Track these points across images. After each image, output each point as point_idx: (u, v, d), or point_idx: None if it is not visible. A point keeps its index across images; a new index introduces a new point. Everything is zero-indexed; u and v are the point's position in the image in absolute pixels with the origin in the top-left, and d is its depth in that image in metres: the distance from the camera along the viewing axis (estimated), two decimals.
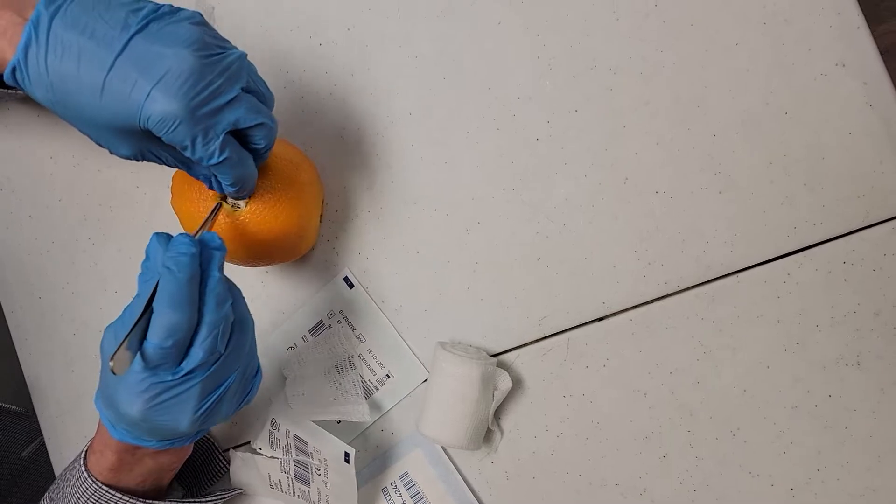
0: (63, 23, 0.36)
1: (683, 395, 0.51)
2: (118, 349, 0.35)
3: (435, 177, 0.54)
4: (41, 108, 0.58)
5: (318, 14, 0.55)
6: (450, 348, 0.51)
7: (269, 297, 0.56)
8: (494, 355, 0.53)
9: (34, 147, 0.58)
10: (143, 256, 0.56)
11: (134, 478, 0.45)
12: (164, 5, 0.38)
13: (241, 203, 0.45)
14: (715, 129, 0.51)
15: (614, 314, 0.52)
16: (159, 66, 0.36)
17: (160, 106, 0.36)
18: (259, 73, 0.42)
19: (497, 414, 0.53)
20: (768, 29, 0.50)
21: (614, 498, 0.52)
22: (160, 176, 0.56)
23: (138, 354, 0.37)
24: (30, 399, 0.59)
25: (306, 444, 0.51)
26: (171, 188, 0.48)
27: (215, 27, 0.40)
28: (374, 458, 0.54)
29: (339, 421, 0.54)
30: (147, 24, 0.37)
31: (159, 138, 0.38)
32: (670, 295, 0.52)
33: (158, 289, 0.37)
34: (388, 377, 0.54)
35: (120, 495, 0.44)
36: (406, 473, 0.54)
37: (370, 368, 0.54)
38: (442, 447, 0.53)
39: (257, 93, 0.41)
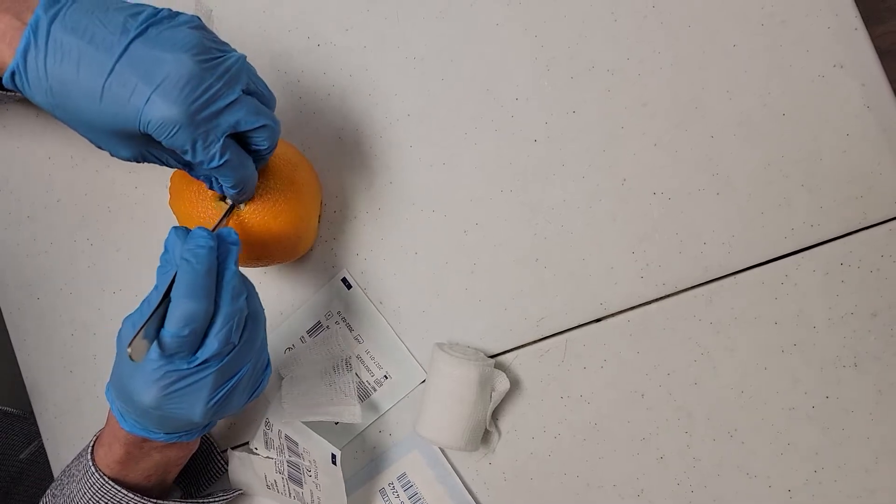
0: (62, 27, 0.36)
1: (681, 396, 0.52)
2: (136, 336, 0.36)
3: (433, 178, 0.54)
4: (40, 108, 0.58)
5: (317, 15, 0.55)
6: (447, 349, 0.51)
7: (267, 297, 0.55)
8: (492, 356, 0.53)
9: (33, 147, 0.58)
10: (143, 257, 0.57)
11: (141, 472, 0.45)
12: (162, 9, 0.38)
13: (241, 203, 0.45)
14: (713, 131, 0.51)
15: (612, 315, 0.52)
16: (159, 71, 0.36)
17: (160, 111, 0.36)
18: (258, 73, 0.42)
19: (495, 415, 0.53)
20: (766, 30, 0.50)
21: (612, 499, 0.52)
22: (159, 177, 0.56)
23: (155, 343, 0.38)
24: (28, 401, 0.59)
25: (297, 444, 0.51)
26: (170, 189, 0.48)
27: (214, 30, 0.40)
28: (371, 459, 0.54)
29: (337, 422, 0.54)
30: (146, 29, 0.37)
31: (159, 141, 0.38)
32: (668, 296, 0.52)
33: (176, 280, 0.38)
34: (386, 378, 0.54)
35: (125, 492, 0.44)
36: (404, 474, 0.54)
37: (368, 369, 0.54)
38: (440, 448, 0.53)
39: (258, 94, 0.41)
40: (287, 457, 0.51)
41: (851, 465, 0.50)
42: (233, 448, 0.55)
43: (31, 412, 0.59)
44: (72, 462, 0.48)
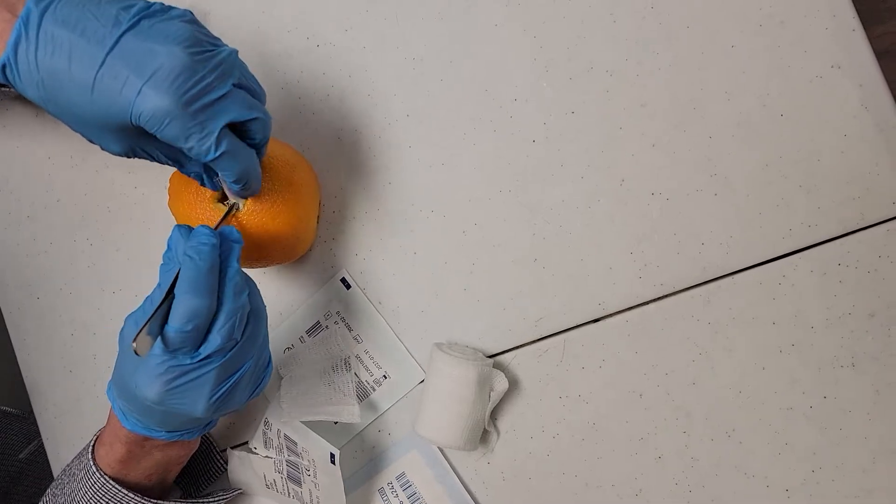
0: (53, 19, 0.36)
1: (679, 396, 0.52)
2: (140, 332, 0.36)
3: (432, 178, 0.54)
4: (39, 108, 0.58)
5: (317, 15, 0.55)
6: (446, 349, 0.51)
7: (266, 297, 0.55)
8: (491, 356, 0.53)
9: (33, 147, 0.59)
10: (142, 257, 0.57)
11: (142, 471, 0.46)
12: (155, 3, 0.38)
13: (239, 203, 0.45)
14: (711, 131, 0.51)
15: (610, 315, 0.52)
16: (150, 63, 0.36)
17: (151, 102, 0.36)
18: (256, 74, 0.42)
19: (493, 415, 0.53)
20: (764, 31, 0.50)
21: (610, 499, 0.52)
22: (158, 177, 0.57)
23: (159, 338, 0.38)
24: (27, 400, 0.59)
25: (296, 444, 0.52)
26: (168, 190, 0.48)
27: (210, 29, 0.40)
28: (370, 458, 0.54)
29: (336, 422, 0.54)
30: (138, 21, 0.37)
31: (151, 135, 0.38)
32: (666, 296, 0.52)
33: (180, 276, 0.38)
34: (385, 378, 0.54)
35: (126, 491, 0.44)
36: (403, 474, 0.54)
37: (367, 369, 0.54)
38: (439, 448, 0.54)
39: (249, 89, 0.41)
40: (286, 456, 0.52)
41: (849, 464, 0.50)
42: (232, 447, 0.55)
43: (31, 412, 0.59)
44: (72, 461, 0.48)
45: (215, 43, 0.39)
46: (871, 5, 1.23)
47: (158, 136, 0.37)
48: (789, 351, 0.51)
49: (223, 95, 0.38)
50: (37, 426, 0.59)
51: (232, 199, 0.45)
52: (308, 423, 0.53)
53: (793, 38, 0.50)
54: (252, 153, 0.41)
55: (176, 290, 0.38)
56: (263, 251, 0.47)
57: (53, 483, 0.49)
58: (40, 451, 0.78)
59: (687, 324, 0.51)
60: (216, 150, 0.38)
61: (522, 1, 0.53)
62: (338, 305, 0.55)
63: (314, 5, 0.55)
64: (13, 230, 0.59)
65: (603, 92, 0.52)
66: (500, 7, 0.53)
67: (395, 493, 0.54)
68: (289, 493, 0.51)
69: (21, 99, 0.57)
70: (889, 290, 0.50)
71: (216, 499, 0.50)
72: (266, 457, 0.52)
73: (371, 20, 0.54)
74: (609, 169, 0.52)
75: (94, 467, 0.45)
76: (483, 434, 0.52)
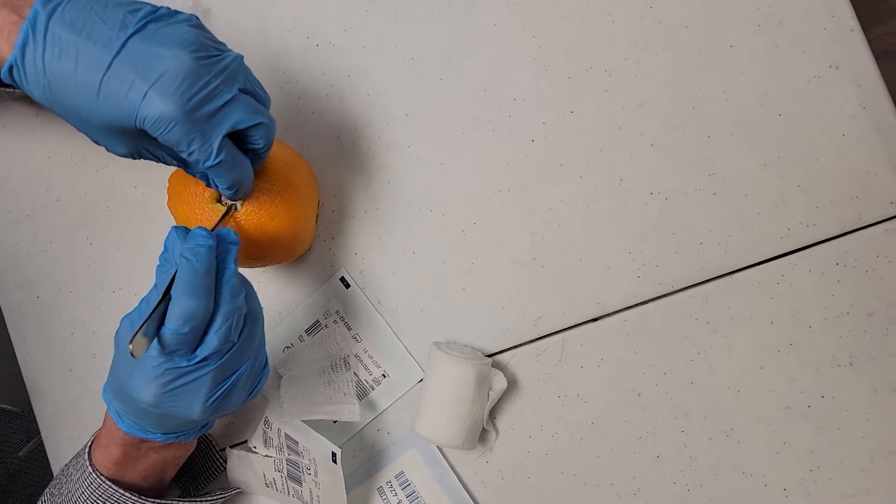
0: (60, 22, 0.36)
1: (677, 395, 0.52)
2: (136, 333, 0.36)
3: (431, 178, 0.54)
4: (40, 107, 0.58)
5: (316, 15, 0.55)
6: (445, 348, 0.51)
7: (266, 297, 0.56)
8: (490, 355, 0.53)
9: (33, 147, 0.59)
10: (142, 256, 0.57)
11: (138, 472, 0.46)
12: (162, 7, 0.38)
13: (237, 204, 0.45)
14: (709, 131, 0.51)
15: (609, 315, 0.53)
16: (156, 67, 0.36)
17: (156, 107, 0.36)
18: (256, 73, 0.42)
19: (492, 414, 0.53)
20: (763, 31, 0.50)
21: (608, 498, 0.53)
22: (158, 176, 0.57)
23: (155, 340, 0.38)
24: (27, 398, 0.59)
25: (297, 443, 0.52)
26: (168, 190, 0.48)
27: (211, 29, 0.40)
28: (369, 457, 0.55)
29: (335, 421, 0.54)
30: (145, 25, 0.37)
31: (156, 138, 0.38)
32: (665, 296, 0.52)
33: (176, 278, 0.38)
34: (384, 377, 0.54)
35: (123, 491, 0.44)
36: (402, 473, 0.54)
37: (366, 368, 0.54)
38: (437, 447, 0.54)
39: (254, 94, 0.41)
40: (286, 455, 0.52)
41: (847, 464, 0.50)
42: (231, 446, 0.56)
43: (31, 410, 0.59)
44: (69, 462, 0.48)
45: (220, 48, 0.39)
46: (871, 5, 1.23)
47: (161, 140, 0.38)
48: (787, 350, 0.51)
49: (228, 101, 0.38)
50: (36, 424, 0.59)
51: (229, 200, 0.45)
52: (308, 422, 0.53)
53: (791, 38, 0.50)
54: (247, 162, 0.42)
55: (172, 292, 0.38)
56: (262, 251, 0.47)
57: (51, 483, 0.49)
58: (40, 449, 0.78)
59: (685, 323, 0.52)
60: (214, 159, 0.39)
61: (521, 1, 0.53)
62: (337, 304, 0.55)
63: (314, 5, 0.55)
64: (13, 229, 0.59)
65: (602, 92, 0.52)
66: (499, 7, 0.53)
67: (393, 492, 0.54)
68: (289, 492, 0.51)
69: (22, 98, 0.58)
70: (887, 290, 0.50)
71: (214, 497, 0.50)
72: (266, 456, 0.52)
73: (370, 20, 0.55)
74: (608, 169, 0.52)
75: (90, 468, 0.45)
76: (482, 433, 0.52)
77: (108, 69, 0.36)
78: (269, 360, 0.55)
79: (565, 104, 0.52)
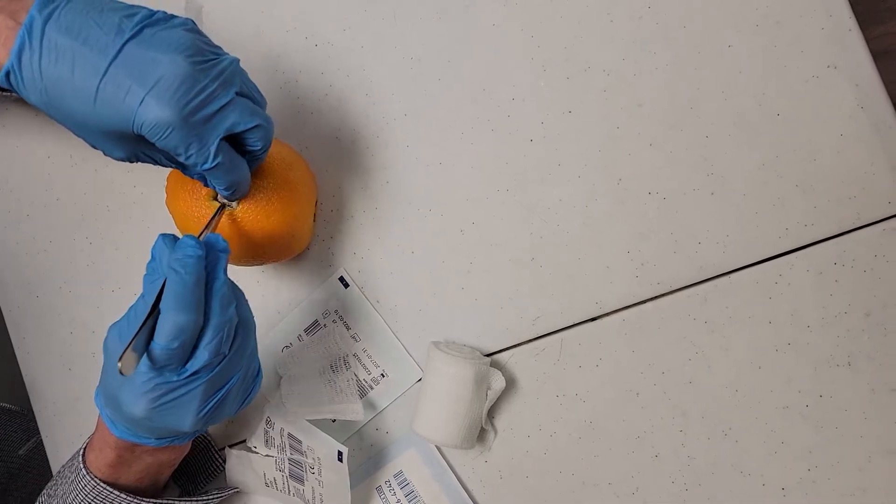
0: (57, 27, 0.36)
1: (676, 394, 0.52)
2: (125, 350, 0.35)
3: (430, 177, 0.54)
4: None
5: (315, 15, 0.55)
6: (444, 348, 0.51)
7: (264, 296, 0.56)
8: (488, 355, 0.53)
9: (32, 146, 0.59)
10: (141, 256, 0.57)
11: (133, 475, 0.45)
12: (158, 11, 0.38)
13: (234, 202, 0.46)
14: (708, 131, 0.51)
15: (607, 314, 0.53)
16: (153, 73, 0.36)
17: (154, 112, 0.36)
18: (255, 73, 0.42)
19: (491, 413, 0.53)
20: (761, 31, 0.50)
21: (607, 497, 0.53)
22: (157, 176, 0.57)
23: (145, 356, 0.37)
24: (27, 398, 0.59)
25: (300, 442, 0.52)
26: (166, 188, 0.48)
27: (204, 28, 0.41)
28: (368, 457, 0.55)
29: (335, 420, 0.54)
30: (141, 30, 0.37)
31: (154, 142, 0.38)
32: (663, 295, 0.52)
33: (165, 290, 0.37)
34: (383, 376, 0.54)
35: (118, 493, 0.44)
36: (400, 472, 0.54)
37: (365, 368, 0.54)
38: (436, 446, 0.54)
39: (250, 97, 0.41)
40: (289, 454, 0.52)
41: (845, 463, 0.50)
42: (230, 446, 0.56)
43: (31, 409, 0.59)
44: (66, 463, 0.48)
45: (217, 52, 0.39)
46: (871, 5, 1.23)
47: (159, 145, 0.38)
48: (785, 350, 0.51)
49: (225, 105, 0.38)
50: (36, 423, 0.59)
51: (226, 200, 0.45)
52: (309, 421, 0.53)
53: (789, 38, 0.50)
54: (244, 163, 0.42)
55: (161, 306, 0.37)
56: (260, 249, 0.47)
57: (49, 484, 0.49)
58: (39, 448, 0.78)
59: (684, 323, 0.52)
60: (212, 162, 0.39)
61: (520, 1, 0.53)
62: (336, 304, 0.55)
63: (313, 5, 0.55)
64: (13, 229, 0.59)
65: (600, 91, 0.52)
66: (498, 7, 0.53)
67: (392, 492, 0.54)
68: (290, 491, 0.51)
69: (21, 100, 0.58)
70: (885, 290, 0.50)
71: (212, 497, 0.50)
72: (267, 455, 0.52)
73: (369, 20, 0.55)
74: (606, 168, 0.52)
75: (84, 471, 0.44)
76: (480, 432, 0.52)
77: (104, 74, 0.36)
78: (268, 360, 0.55)
79: (564, 104, 0.52)
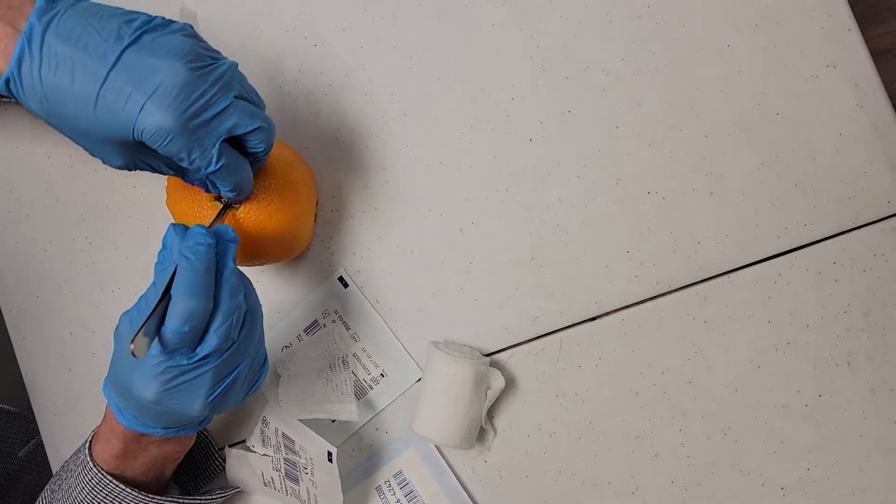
0: (56, 35, 0.36)
1: (675, 394, 0.52)
2: (138, 333, 0.36)
3: (429, 177, 0.54)
4: None
5: (315, 15, 0.55)
6: (443, 347, 0.51)
7: (264, 296, 0.56)
8: (488, 355, 0.53)
9: (32, 147, 0.59)
10: (141, 256, 0.57)
11: (138, 467, 0.46)
12: (156, 17, 0.38)
13: (236, 203, 0.46)
14: (707, 131, 0.51)
15: (607, 314, 0.53)
16: (153, 79, 0.36)
17: (154, 119, 0.36)
18: (254, 73, 0.43)
19: (490, 413, 0.53)
20: (760, 31, 0.50)
21: (606, 497, 0.53)
22: (157, 176, 0.56)
23: (156, 339, 0.38)
24: (27, 398, 0.59)
25: (293, 442, 0.52)
26: (167, 188, 0.48)
27: (202, 31, 0.41)
28: (368, 456, 0.55)
29: (333, 420, 0.54)
30: (140, 37, 0.37)
31: (153, 149, 0.38)
32: (662, 295, 0.52)
33: (176, 277, 0.38)
34: (383, 376, 0.54)
35: (123, 486, 0.45)
36: (400, 472, 0.54)
37: (364, 367, 0.54)
38: (436, 446, 0.54)
39: (249, 101, 0.41)
40: (284, 454, 0.52)
41: (844, 463, 0.50)
42: (230, 446, 0.56)
43: (30, 410, 0.59)
44: (70, 457, 0.48)
45: (215, 56, 0.39)
46: (871, 5, 1.23)
47: (160, 151, 0.38)
48: (785, 349, 0.51)
49: (225, 108, 0.39)
50: (36, 424, 0.59)
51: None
52: (306, 421, 0.53)
53: (788, 37, 0.50)
54: (246, 164, 0.42)
55: (172, 292, 0.38)
56: (260, 249, 0.47)
57: (52, 479, 0.49)
58: (39, 449, 0.78)
59: (683, 322, 0.52)
60: (216, 165, 0.39)
61: (520, 1, 0.53)
62: (335, 304, 0.55)
63: (313, 5, 0.55)
64: (13, 229, 0.59)
65: (599, 91, 0.52)
66: (497, 7, 0.53)
67: (392, 491, 0.54)
68: (286, 492, 0.51)
69: (20, 104, 0.58)
70: (884, 289, 0.50)
71: (214, 496, 0.50)
72: (264, 455, 0.53)
73: (369, 20, 0.55)
74: (605, 168, 0.52)
75: (91, 463, 0.45)
76: (480, 432, 0.52)
77: (104, 82, 0.36)
78: (269, 360, 0.55)
79: (563, 104, 0.53)
